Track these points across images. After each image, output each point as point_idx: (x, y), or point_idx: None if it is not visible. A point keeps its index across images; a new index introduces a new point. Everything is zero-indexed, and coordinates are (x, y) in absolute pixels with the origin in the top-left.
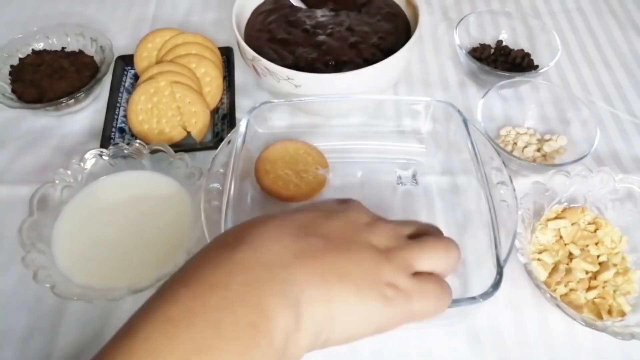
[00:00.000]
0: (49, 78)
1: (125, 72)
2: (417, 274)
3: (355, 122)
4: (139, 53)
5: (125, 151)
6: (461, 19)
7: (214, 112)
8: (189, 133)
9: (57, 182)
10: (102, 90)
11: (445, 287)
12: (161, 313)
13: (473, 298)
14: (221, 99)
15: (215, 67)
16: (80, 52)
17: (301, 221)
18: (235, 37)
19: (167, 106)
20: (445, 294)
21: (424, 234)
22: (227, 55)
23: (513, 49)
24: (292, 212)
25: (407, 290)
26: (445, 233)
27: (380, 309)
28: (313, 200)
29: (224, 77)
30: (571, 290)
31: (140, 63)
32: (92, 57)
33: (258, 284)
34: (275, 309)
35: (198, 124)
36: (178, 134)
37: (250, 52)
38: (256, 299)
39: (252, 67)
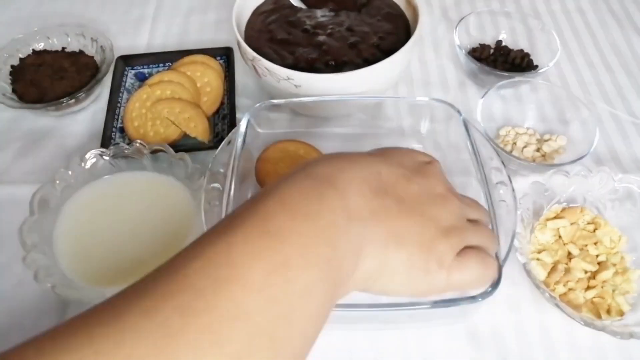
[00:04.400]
0: (50, 78)
1: (126, 73)
2: (465, 249)
3: (355, 122)
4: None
5: (126, 151)
6: (461, 19)
7: (214, 112)
8: (185, 133)
9: (57, 182)
10: (103, 91)
11: (489, 262)
12: (260, 224)
13: (472, 297)
14: (222, 99)
15: (219, 77)
16: (81, 52)
17: (385, 178)
18: (235, 37)
19: (162, 107)
20: (487, 269)
21: (480, 220)
22: (227, 55)
23: (513, 49)
24: (379, 162)
25: (451, 266)
26: None
27: (421, 279)
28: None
29: (225, 77)
30: (570, 289)
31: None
32: (93, 57)
33: (338, 227)
34: (346, 253)
35: (198, 127)
36: (173, 132)
37: (250, 53)
38: (334, 239)
39: (252, 67)
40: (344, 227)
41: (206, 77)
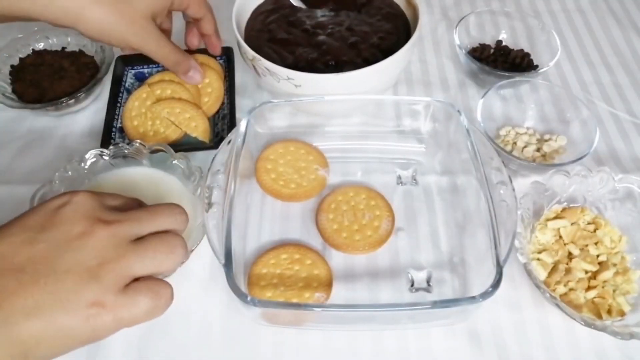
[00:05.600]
0: (50, 78)
1: (126, 72)
2: (133, 282)
3: (355, 122)
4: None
5: (126, 151)
6: (461, 19)
7: (215, 112)
8: (186, 133)
9: (57, 182)
10: (103, 90)
11: (161, 290)
12: None
13: (473, 298)
14: (222, 99)
15: (219, 78)
16: (81, 52)
17: (10, 261)
18: (235, 37)
19: (162, 107)
20: (160, 299)
21: (162, 231)
22: (227, 55)
23: (513, 49)
24: (3, 242)
25: (114, 305)
26: (445, 233)
27: (82, 328)
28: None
29: (225, 77)
30: (571, 290)
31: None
32: (93, 57)
33: None
34: None
35: (199, 127)
36: (173, 132)
37: (250, 52)
38: None
39: (252, 67)
40: None
41: (207, 77)
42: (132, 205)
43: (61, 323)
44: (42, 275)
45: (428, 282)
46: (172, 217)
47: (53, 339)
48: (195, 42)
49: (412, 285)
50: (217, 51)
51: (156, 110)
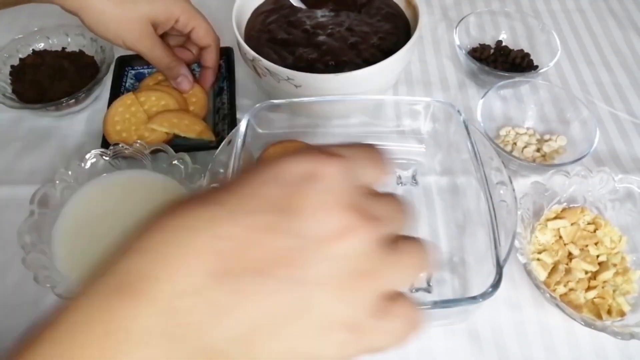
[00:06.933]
0: (50, 78)
1: (126, 73)
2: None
3: (355, 122)
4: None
5: (126, 151)
6: (461, 19)
7: (215, 112)
8: (174, 135)
9: (57, 182)
10: (103, 91)
11: (417, 318)
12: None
13: (473, 298)
14: (221, 98)
15: (202, 90)
16: (81, 52)
17: (225, 244)
18: (235, 38)
19: (146, 113)
20: (414, 327)
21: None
22: (227, 55)
23: (513, 49)
24: (227, 215)
25: (372, 329)
26: (445, 233)
27: (323, 354)
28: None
29: (224, 78)
30: (571, 290)
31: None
32: (93, 57)
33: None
34: None
35: (202, 129)
36: (157, 138)
37: (250, 53)
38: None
39: (252, 68)
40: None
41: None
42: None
43: (304, 345)
44: (284, 284)
45: (428, 282)
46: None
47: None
48: (186, 56)
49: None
50: (207, 86)
51: (153, 127)
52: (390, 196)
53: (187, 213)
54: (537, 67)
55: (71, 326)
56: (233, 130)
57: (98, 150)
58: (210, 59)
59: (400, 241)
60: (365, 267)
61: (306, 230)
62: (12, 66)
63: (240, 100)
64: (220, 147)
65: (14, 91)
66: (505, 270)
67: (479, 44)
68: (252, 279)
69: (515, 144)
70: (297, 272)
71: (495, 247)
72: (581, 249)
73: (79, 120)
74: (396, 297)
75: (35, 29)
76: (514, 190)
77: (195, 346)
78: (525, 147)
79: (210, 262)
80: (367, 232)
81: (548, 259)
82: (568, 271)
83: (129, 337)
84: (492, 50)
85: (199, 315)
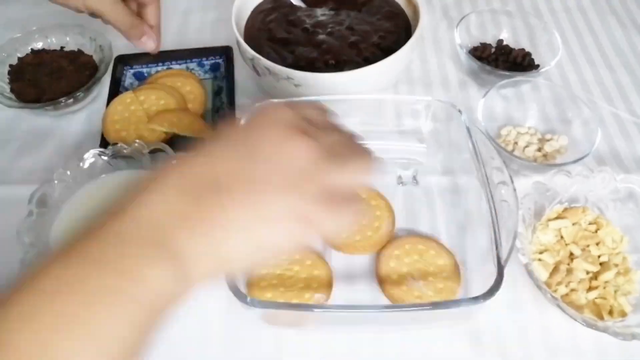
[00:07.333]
0: (48, 78)
1: (125, 72)
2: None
3: (356, 121)
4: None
5: (125, 151)
6: (462, 18)
7: (214, 111)
8: (174, 135)
9: (56, 182)
10: (102, 90)
11: (358, 200)
12: (32, 285)
13: (474, 298)
14: (221, 98)
15: (200, 86)
16: (79, 51)
17: (205, 178)
18: (234, 36)
19: (145, 112)
20: (358, 215)
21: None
22: (226, 54)
23: (514, 48)
24: (198, 162)
25: (318, 218)
26: (446, 233)
27: (284, 243)
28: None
29: (224, 77)
30: (572, 290)
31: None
32: (91, 56)
33: (133, 256)
34: (154, 276)
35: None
36: (157, 137)
37: (250, 52)
38: (129, 267)
39: (252, 67)
40: (143, 255)
41: (187, 86)
42: (327, 123)
43: (263, 239)
44: (241, 186)
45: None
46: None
47: (248, 253)
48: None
49: None
50: (153, 47)
51: (153, 128)
52: (333, 126)
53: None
54: (538, 66)
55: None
56: None
57: (97, 150)
58: (155, 15)
59: (344, 152)
60: (310, 169)
61: (255, 143)
62: (10, 65)
63: (240, 100)
64: None
65: (12, 90)
66: (506, 271)
67: (480, 43)
68: (214, 191)
69: (516, 143)
70: (251, 180)
71: (497, 247)
72: (582, 249)
73: (78, 119)
74: (340, 192)
75: (34, 28)
76: (515, 190)
77: (166, 244)
78: (526, 146)
79: (177, 184)
80: (311, 145)
81: (549, 259)
82: (569, 271)
83: (119, 236)
84: (493, 50)
85: (169, 219)
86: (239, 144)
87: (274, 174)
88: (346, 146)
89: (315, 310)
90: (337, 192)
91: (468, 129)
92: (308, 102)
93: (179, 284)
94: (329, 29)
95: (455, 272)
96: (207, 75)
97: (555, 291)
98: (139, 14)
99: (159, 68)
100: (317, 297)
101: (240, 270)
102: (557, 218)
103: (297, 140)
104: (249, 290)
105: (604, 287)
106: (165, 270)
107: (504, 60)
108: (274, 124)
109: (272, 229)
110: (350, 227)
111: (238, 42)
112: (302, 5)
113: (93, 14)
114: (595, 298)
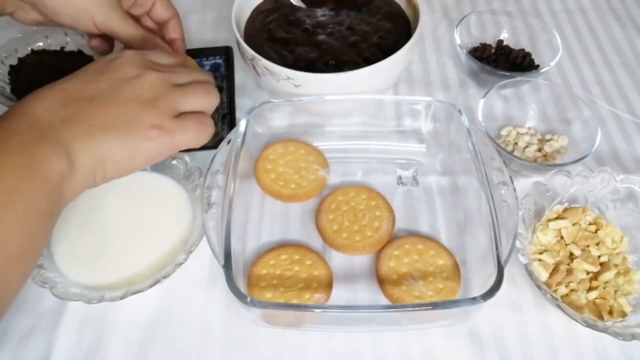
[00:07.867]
0: (49, 78)
1: None
2: (181, 114)
3: (356, 122)
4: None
5: None
6: (462, 19)
7: (215, 111)
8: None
9: None
10: None
11: (206, 121)
12: None
13: (474, 299)
14: (221, 98)
15: None
16: (80, 51)
17: (70, 89)
18: (234, 37)
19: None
20: (204, 126)
21: (195, 81)
22: (226, 54)
23: (514, 49)
24: (62, 82)
25: (170, 128)
26: (446, 233)
27: (144, 147)
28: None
29: (224, 77)
30: (572, 290)
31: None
32: (92, 57)
33: (32, 142)
34: (48, 157)
35: None
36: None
37: (249, 52)
38: (30, 150)
39: (252, 67)
40: (39, 141)
41: None
42: (174, 64)
43: (129, 139)
44: (109, 102)
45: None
46: (205, 75)
47: (123, 154)
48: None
49: None
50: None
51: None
52: (178, 66)
53: (45, 90)
54: (538, 66)
55: None
56: (232, 130)
57: None
58: (176, 29)
59: (187, 83)
60: (160, 92)
61: (116, 76)
62: (11, 66)
63: (240, 100)
64: (219, 147)
65: (12, 91)
66: (506, 271)
67: (480, 44)
68: (86, 103)
69: (516, 143)
70: (113, 95)
71: (496, 248)
72: (582, 250)
73: None
74: (192, 112)
75: (34, 28)
76: (515, 190)
77: (53, 139)
78: (526, 147)
79: (58, 98)
80: (156, 74)
81: (549, 260)
82: (569, 272)
83: (15, 132)
84: (493, 50)
85: (53, 121)
86: (105, 74)
87: (136, 96)
88: (188, 77)
89: (315, 310)
90: (185, 113)
91: (468, 129)
92: (159, 50)
93: (71, 174)
94: (329, 29)
95: (455, 272)
96: None
97: (555, 291)
98: (160, 32)
99: None
100: (317, 297)
101: (120, 175)
102: (557, 218)
103: (150, 74)
104: (248, 290)
105: (604, 288)
106: (60, 157)
107: (504, 61)
108: (131, 65)
109: (136, 133)
110: (196, 139)
111: (238, 42)
112: (302, 5)
113: (104, 36)
114: (595, 298)
